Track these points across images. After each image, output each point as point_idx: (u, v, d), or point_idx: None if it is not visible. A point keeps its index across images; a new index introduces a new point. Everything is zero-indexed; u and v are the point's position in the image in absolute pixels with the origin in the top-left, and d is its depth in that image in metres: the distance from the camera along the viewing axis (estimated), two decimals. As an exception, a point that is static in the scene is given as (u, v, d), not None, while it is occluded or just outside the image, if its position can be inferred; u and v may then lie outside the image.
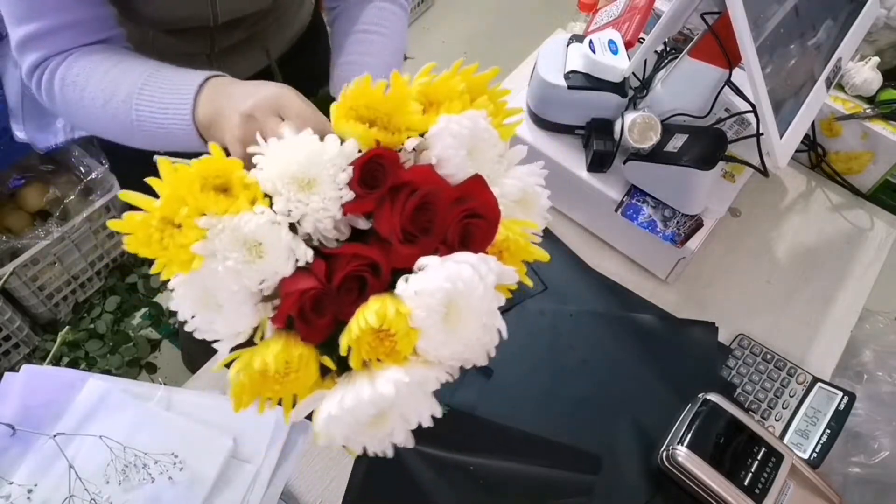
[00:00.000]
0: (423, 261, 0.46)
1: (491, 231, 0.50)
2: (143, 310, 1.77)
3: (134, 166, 0.59)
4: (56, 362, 1.61)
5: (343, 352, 0.45)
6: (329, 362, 0.47)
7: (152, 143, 0.65)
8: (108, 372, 1.65)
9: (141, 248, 0.44)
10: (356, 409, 0.44)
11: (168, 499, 0.71)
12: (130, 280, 1.80)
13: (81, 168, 1.66)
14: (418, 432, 0.80)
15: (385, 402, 0.44)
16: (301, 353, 0.46)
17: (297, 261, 0.45)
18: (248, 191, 0.45)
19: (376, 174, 0.46)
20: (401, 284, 0.45)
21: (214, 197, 0.44)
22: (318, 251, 0.47)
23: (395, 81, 0.48)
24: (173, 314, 1.73)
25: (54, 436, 0.73)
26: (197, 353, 1.56)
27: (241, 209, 0.44)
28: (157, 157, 0.44)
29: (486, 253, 0.48)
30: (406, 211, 0.46)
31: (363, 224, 0.48)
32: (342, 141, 0.47)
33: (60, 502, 0.69)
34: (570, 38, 0.95)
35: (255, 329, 0.47)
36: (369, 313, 0.43)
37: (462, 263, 0.45)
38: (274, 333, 0.47)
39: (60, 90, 0.67)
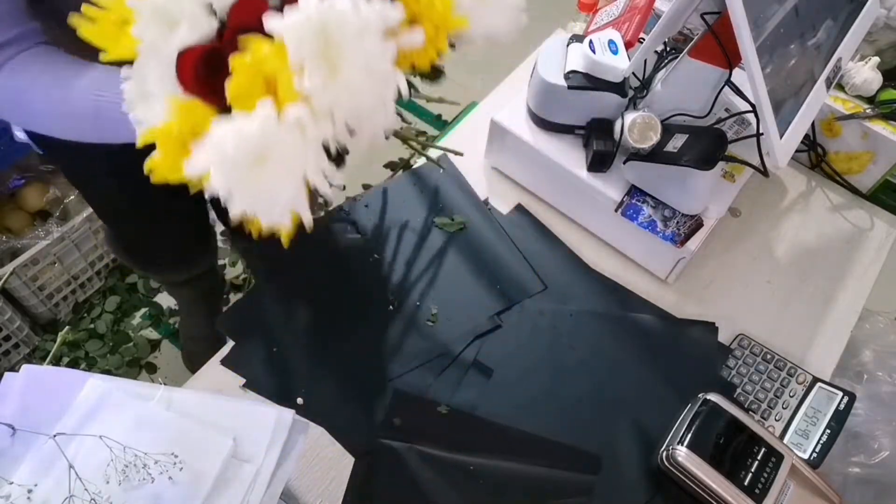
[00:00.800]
0: None
1: None
2: (143, 310, 1.77)
3: (74, 158, 0.59)
4: (56, 362, 1.61)
5: (230, 100, 0.45)
6: None
7: (113, 133, 0.65)
8: (108, 372, 1.65)
9: (94, 37, 0.48)
10: (222, 142, 0.44)
11: (168, 499, 0.71)
12: (130, 280, 1.80)
13: (81, 168, 1.66)
14: (418, 432, 0.80)
15: (251, 137, 0.44)
16: (205, 113, 0.47)
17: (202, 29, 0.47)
18: None
19: None
20: (273, 21, 0.44)
21: None
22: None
23: None
24: (174, 313, 1.74)
25: (54, 436, 0.73)
26: (197, 353, 1.56)
27: None
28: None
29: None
30: None
31: None
32: None
33: (60, 502, 0.69)
34: (570, 38, 0.95)
35: None
36: (246, 53, 0.44)
37: None
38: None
39: None
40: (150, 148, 0.48)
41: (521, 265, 0.97)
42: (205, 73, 0.46)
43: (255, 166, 0.45)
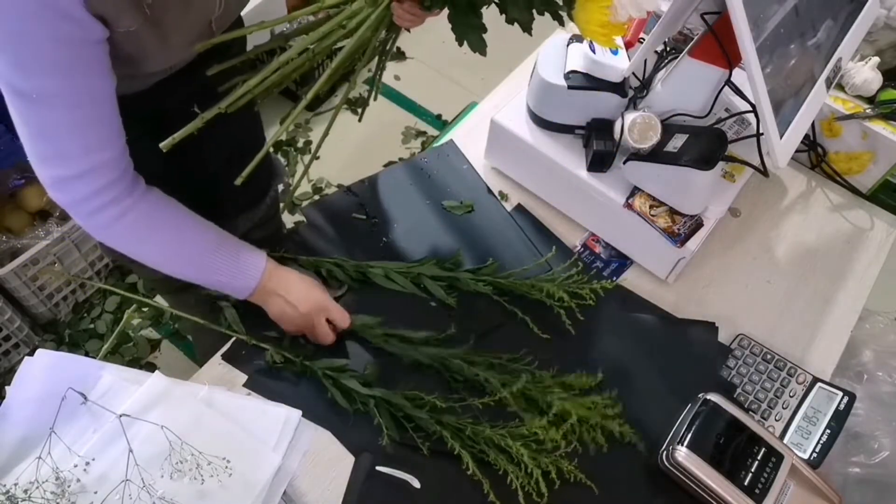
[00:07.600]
0: None
1: None
2: (144, 310, 1.77)
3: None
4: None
5: None
6: None
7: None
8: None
9: None
10: None
11: (215, 502, 0.72)
12: (130, 280, 1.80)
13: (81, 168, 1.66)
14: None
15: None
16: None
17: None
18: None
19: None
20: None
21: None
22: None
23: None
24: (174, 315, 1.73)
25: (120, 416, 0.74)
26: (206, 344, 1.54)
27: None
28: None
29: None
30: None
31: None
32: None
33: (116, 483, 0.71)
34: (570, 38, 0.95)
35: None
36: None
37: None
38: None
39: (129, 224, 0.72)
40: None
41: (527, 249, 0.99)
42: None
43: None
